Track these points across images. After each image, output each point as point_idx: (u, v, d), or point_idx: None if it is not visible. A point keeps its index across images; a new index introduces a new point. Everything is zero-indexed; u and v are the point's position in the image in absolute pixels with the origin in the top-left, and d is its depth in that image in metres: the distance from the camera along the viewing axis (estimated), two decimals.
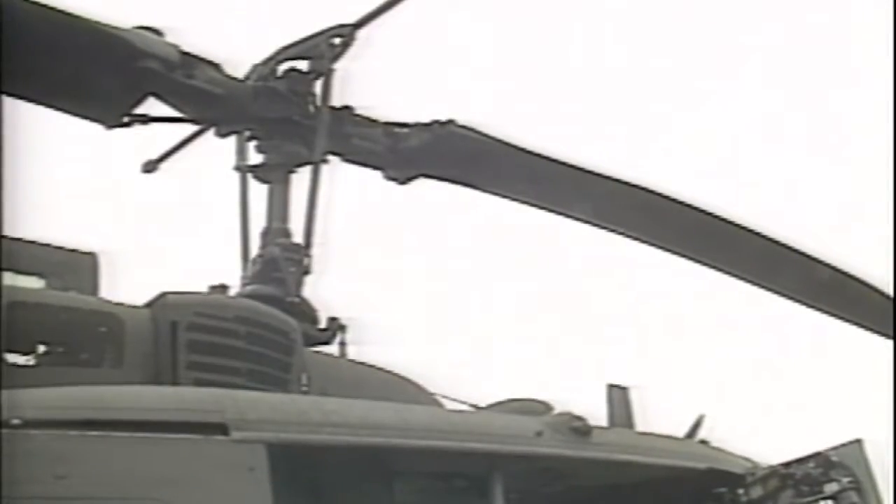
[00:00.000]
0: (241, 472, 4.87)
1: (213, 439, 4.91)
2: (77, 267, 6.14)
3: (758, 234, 8.05)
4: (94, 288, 6.14)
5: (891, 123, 8.12)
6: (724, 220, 7.98)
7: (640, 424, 7.20)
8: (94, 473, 4.63)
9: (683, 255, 8.31)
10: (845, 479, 6.97)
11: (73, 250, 6.22)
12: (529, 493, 6.66)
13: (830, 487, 6.99)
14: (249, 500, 4.84)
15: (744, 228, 8.01)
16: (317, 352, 6.73)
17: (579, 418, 6.22)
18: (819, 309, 8.47)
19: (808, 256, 8.09)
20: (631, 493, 7.08)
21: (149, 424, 4.86)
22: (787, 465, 7.11)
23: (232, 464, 4.88)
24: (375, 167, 7.68)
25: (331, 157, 7.33)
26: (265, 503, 4.84)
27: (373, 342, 7.06)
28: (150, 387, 5.50)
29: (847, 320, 8.48)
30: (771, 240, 8.06)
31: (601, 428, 6.46)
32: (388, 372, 6.81)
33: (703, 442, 7.23)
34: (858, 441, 7.15)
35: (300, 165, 7.28)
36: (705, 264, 8.31)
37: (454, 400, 6.85)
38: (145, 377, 5.63)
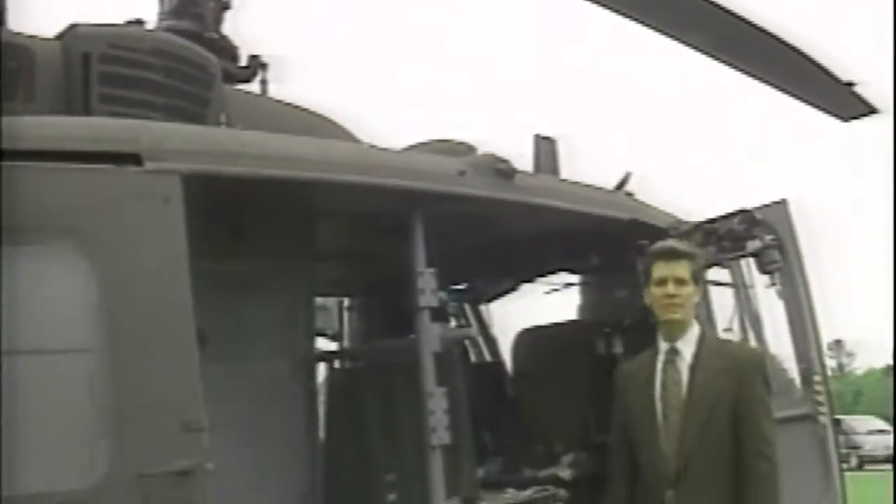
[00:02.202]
0: (155, 202, 4.91)
1: (127, 170, 4.93)
2: None
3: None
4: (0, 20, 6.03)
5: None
6: None
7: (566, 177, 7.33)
8: (8, 203, 4.67)
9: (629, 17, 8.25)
10: (768, 238, 7.26)
11: None
12: (450, 238, 6.85)
13: (753, 244, 7.29)
14: (164, 231, 4.89)
15: None
16: (237, 89, 6.73)
17: (503, 160, 6.27)
18: (773, 86, 8.52)
19: (768, 33, 8.05)
20: (552, 241, 7.30)
21: (60, 154, 4.85)
22: (712, 221, 7.37)
23: (146, 194, 4.91)
24: None
25: None
26: (179, 234, 4.90)
27: (295, 81, 7.09)
28: (61, 117, 5.44)
29: (801, 99, 8.55)
30: (729, 12, 7.99)
31: (525, 172, 6.55)
32: (310, 111, 6.83)
33: (629, 195, 7.41)
34: (783, 201, 7.43)
35: None
36: (655, 29, 8.27)
37: (375, 143, 6.90)
38: (57, 111, 5.57)
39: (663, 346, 5.14)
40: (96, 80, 5.74)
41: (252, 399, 6.07)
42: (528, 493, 6.63)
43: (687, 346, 5.11)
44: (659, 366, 5.12)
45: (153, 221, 4.92)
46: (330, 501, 6.33)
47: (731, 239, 7.29)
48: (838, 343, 76.62)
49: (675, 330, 5.13)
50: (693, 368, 5.07)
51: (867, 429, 38.61)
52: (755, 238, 7.27)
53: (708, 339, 5.21)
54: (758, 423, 5.09)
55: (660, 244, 5.34)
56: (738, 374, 5.05)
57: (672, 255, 5.17)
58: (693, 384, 5.03)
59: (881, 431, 38.00)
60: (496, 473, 7.83)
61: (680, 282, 5.10)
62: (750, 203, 7.39)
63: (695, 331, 5.16)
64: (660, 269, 5.13)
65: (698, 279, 5.23)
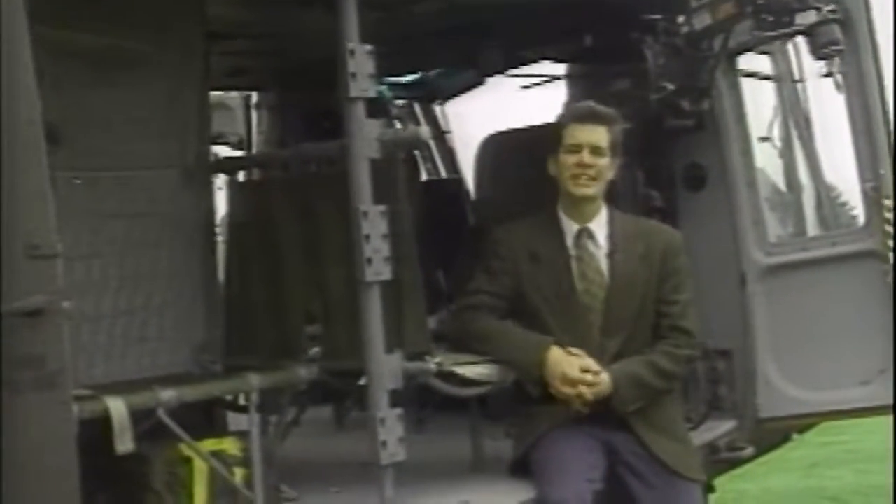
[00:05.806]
0: None
1: None
2: None
3: None
4: None
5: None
6: None
7: None
8: None
9: None
10: (827, 8, 7.12)
11: None
12: (393, 10, 6.74)
13: (806, 18, 7.15)
14: None
15: None
16: None
17: None
18: None
19: None
20: (530, 17, 7.21)
21: None
22: None
23: None
24: None
25: None
26: None
27: None
28: None
29: None
30: None
31: None
32: None
33: None
34: None
35: None
36: None
37: None
38: None
39: (571, 226, 6.00)
40: None
41: (125, 219, 5.97)
42: None
43: (600, 229, 6.02)
44: (570, 249, 6.00)
45: None
46: (232, 355, 6.32)
47: (774, 11, 7.15)
48: None
49: (586, 209, 6.00)
50: (612, 255, 5.98)
51: None
52: (809, 9, 7.14)
53: (619, 220, 6.08)
54: (685, 316, 6.10)
55: (578, 105, 6.05)
56: (659, 260, 6.04)
57: (592, 117, 5.90)
58: (615, 273, 5.96)
59: None
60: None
61: (597, 151, 5.87)
62: None
63: (604, 212, 6.04)
64: (575, 134, 5.88)
65: (616, 151, 5.94)
